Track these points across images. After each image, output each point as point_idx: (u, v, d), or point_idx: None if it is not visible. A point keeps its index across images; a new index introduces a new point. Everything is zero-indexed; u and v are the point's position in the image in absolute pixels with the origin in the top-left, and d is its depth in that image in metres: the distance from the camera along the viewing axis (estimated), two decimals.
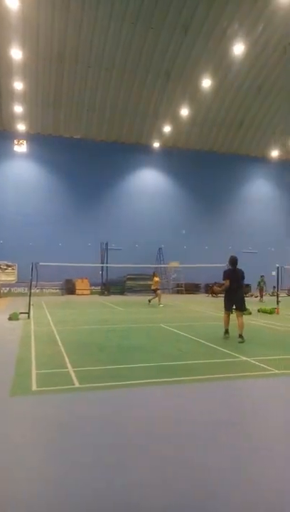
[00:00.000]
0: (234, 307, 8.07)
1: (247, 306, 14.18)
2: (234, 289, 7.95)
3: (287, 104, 26.19)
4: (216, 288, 14.57)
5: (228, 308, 8.10)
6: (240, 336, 7.51)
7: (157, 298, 17.20)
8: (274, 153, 29.25)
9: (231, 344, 7.51)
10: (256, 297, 21.66)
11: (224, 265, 14.88)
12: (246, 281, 20.07)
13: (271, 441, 3.22)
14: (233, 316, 8.16)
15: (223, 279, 8.19)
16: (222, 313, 13.22)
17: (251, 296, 23.04)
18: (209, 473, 2.65)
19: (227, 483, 2.53)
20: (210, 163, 28.13)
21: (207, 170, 28.06)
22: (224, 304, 8.20)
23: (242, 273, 8.18)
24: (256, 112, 26.50)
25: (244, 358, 6.12)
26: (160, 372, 5.30)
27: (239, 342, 7.39)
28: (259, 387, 4.80)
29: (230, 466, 2.75)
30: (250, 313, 12.93)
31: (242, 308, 8.00)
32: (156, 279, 17.73)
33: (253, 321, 11.30)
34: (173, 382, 4.78)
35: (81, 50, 21.25)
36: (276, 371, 5.32)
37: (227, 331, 8.05)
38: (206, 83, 21.69)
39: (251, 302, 16.94)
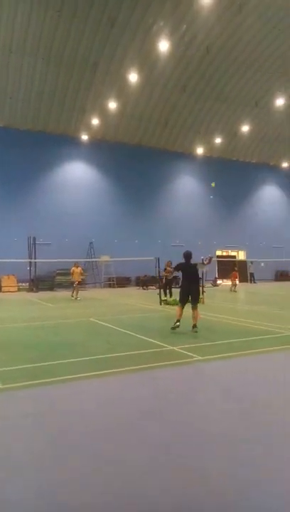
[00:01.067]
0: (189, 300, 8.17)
1: (175, 296, 14.88)
2: (188, 283, 8.16)
3: (210, 104, 27.47)
4: (165, 273, 14.74)
5: (183, 302, 8.16)
6: (194, 326, 7.78)
7: (76, 291, 17.12)
8: (199, 151, 30.52)
9: (158, 335, 7.77)
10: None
11: (153, 258, 15.36)
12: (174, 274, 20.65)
13: (193, 427, 3.42)
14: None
15: (174, 269, 8.52)
16: (151, 305, 13.66)
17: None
18: (126, 467, 2.74)
19: (143, 476, 2.64)
20: (139, 158, 28.48)
21: (137, 164, 28.39)
22: (180, 297, 8.28)
23: (196, 267, 8.33)
24: (182, 110, 27.40)
25: (171, 347, 6.37)
26: (89, 366, 5.31)
27: (194, 332, 7.66)
28: (184, 373, 5.05)
29: (151, 456, 2.87)
30: (178, 304, 13.44)
31: (196, 301, 8.15)
32: (77, 269, 17.39)
33: None
34: (102, 375, 4.82)
35: (2, 34, 20.07)
36: (200, 357, 5.63)
37: (178, 321, 7.99)
38: (133, 78, 21.85)
39: (177, 293, 17.63)
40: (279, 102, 26.72)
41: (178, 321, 7.97)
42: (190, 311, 8.10)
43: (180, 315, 8.01)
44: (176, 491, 2.36)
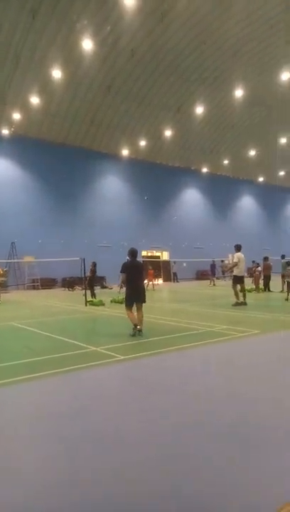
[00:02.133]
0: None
1: (101, 297, 14.90)
2: (135, 282, 7.63)
3: (135, 106, 27.96)
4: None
5: (131, 303, 7.58)
6: (140, 330, 7.30)
7: None
8: (125, 152, 30.87)
9: (82, 336, 7.73)
10: (110, 288, 22.68)
11: (78, 259, 15.18)
12: (101, 274, 20.69)
13: (113, 425, 3.48)
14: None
15: (121, 272, 7.63)
16: (76, 307, 13.48)
17: (106, 287, 24.01)
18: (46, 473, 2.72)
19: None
20: (64, 156, 27.92)
21: (62, 162, 27.79)
22: (127, 298, 7.67)
23: (142, 265, 7.95)
24: (107, 111, 27.48)
25: (94, 348, 6.38)
26: (5, 372, 5.09)
27: (139, 335, 7.21)
28: (105, 373, 5.09)
29: (60, 456, 2.88)
30: (103, 305, 13.50)
31: (143, 300, 7.65)
32: None
33: (104, 311, 11.81)
34: (19, 382, 4.66)
35: None
36: (122, 357, 5.73)
37: (136, 326, 7.34)
38: (56, 74, 21.40)
39: (105, 293, 17.67)
40: (199, 110, 28.14)
41: (136, 326, 7.36)
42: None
43: (135, 318, 7.47)
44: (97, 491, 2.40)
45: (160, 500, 2.24)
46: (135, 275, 7.63)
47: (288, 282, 13.88)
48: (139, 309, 7.64)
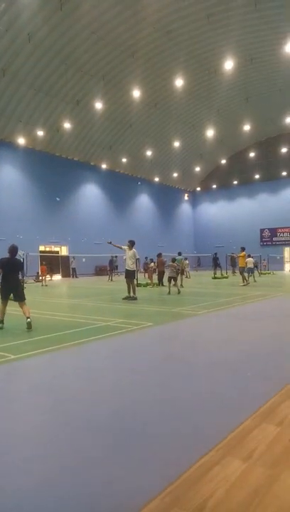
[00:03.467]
0: (12, 297, 7.82)
1: None
2: (8, 278, 7.78)
3: (32, 93, 26.67)
4: None
5: (4, 297, 7.79)
6: (28, 317, 7.49)
7: None
8: (21, 141, 29.26)
9: None
10: None
11: None
12: None
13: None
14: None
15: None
16: None
17: None
18: None
19: None
20: None
21: None
22: (1, 294, 7.84)
23: (20, 263, 8.12)
24: (1, 95, 25.67)
25: None
26: None
27: (28, 322, 7.41)
28: None
29: None
30: None
31: (20, 298, 7.80)
32: None
33: None
34: None
35: None
36: (13, 356, 5.50)
37: (1, 321, 7.74)
38: None
39: None
40: (98, 105, 28.13)
41: (1, 321, 7.74)
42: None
43: (3, 314, 7.78)
44: None
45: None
46: (9, 272, 7.81)
47: (169, 277, 14.89)
48: (21, 306, 7.78)
